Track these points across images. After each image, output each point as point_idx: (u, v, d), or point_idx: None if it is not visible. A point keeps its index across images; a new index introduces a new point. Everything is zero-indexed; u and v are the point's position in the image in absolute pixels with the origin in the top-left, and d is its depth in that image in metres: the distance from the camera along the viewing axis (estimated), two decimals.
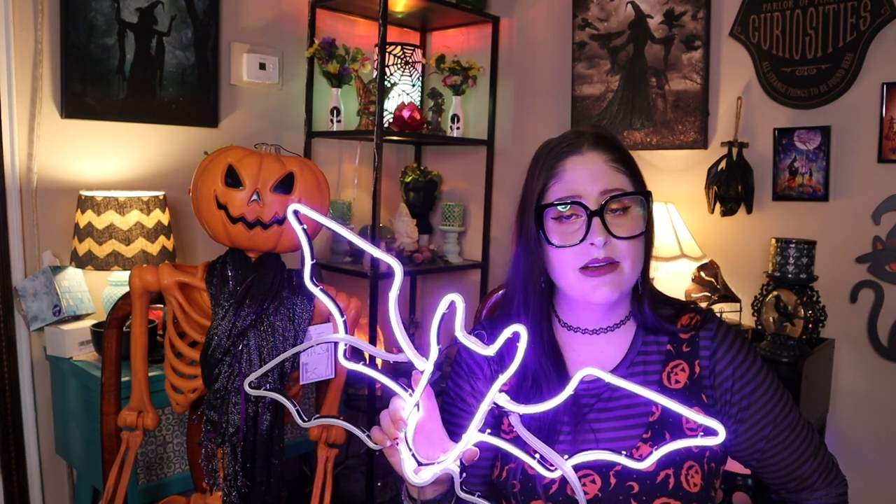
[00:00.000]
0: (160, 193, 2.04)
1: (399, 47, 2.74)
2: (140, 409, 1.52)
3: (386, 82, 2.52)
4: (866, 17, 1.91)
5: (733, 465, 1.06)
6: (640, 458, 0.69)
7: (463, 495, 0.78)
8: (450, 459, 0.76)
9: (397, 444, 0.78)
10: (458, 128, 2.73)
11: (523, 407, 0.72)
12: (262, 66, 2.48)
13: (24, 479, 2.02)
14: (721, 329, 1.01)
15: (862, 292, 1.99)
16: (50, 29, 1.99)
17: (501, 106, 2.81)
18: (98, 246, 1.90)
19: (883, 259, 1.94)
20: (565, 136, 0.99)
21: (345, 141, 2.78)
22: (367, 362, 0.77)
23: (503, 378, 0.70)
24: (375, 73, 2.43)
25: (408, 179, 2.87)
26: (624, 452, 0.70)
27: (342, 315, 0.76)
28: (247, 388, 0.87)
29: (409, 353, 0.75)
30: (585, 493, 0.91)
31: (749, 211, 2.13)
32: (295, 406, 0.81)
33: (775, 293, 1.97)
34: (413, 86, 2.79)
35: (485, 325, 1.09)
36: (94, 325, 1.91)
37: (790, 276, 1.91)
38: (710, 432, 0.65)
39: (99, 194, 1.93)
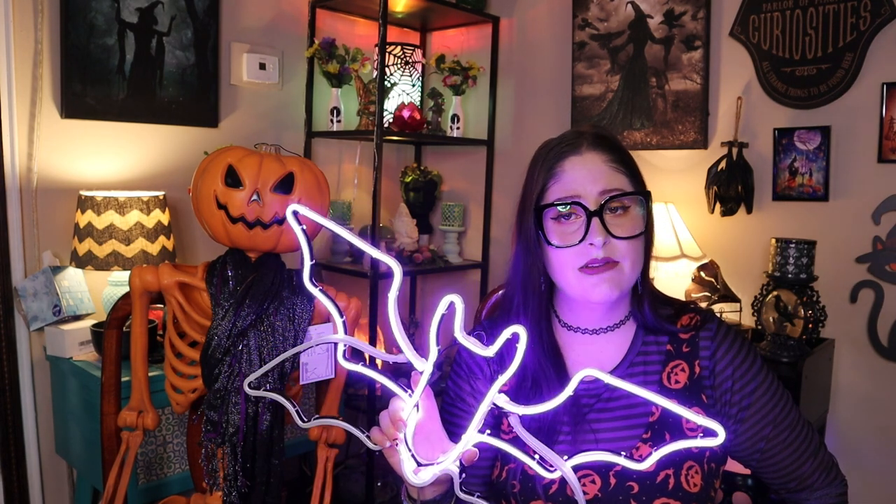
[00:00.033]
0: (160, 193, 2.04)
1: (399, 47, 2.74)
2: (140, 409, 1.52)
3: (386, 82, 2.52)
4: (866, 17, 1.91)
5: (733, 465, 1.06)
6: (640, 459, 0.69)
7: (462, 496, 0.78)
8: (449, 460, 0.76)
9: (397, 444, 0.78)
10: (458, 128, 2.73)
11: (523, 408, 0.72)
12: (262, 66, 2.48)
13: (24, 479, 2.03)
14: (721, 329, 1.01)
15: (862, 292, 1.99)
16: (50, 29, 1.99)
17: (501, 106, 2.81)
18: (98, 246, 1.90)
19: (883, 259, 1.94)
20: (565, 137, 0.99)
21: (345, 141, 2.78)
22: (367, 363, 0.77)
23: (502, 379, 0.70)
24: (375, 73, 2.43)
25: (408, 179, 2.87)
26: (624, 453, 0.70)
27: (341, 315, 0.76)
28: (246, 389, 0.87)
29: (409, 353, 0.75)
30: (585, 493, 0.91)
31: (749, 211, 2.13)
32: (294, 406, 0.81)
33: (775, 293, 1.97)
34: (413, 86, 2.79)
35: (485, 326, 1.09)
36: (94, 325, 1.91)
37: (790, 276, 1.91)
38: (709, 433, 0.65)
39: (99, 194, 1.93)
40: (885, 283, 1.94)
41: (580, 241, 0.92)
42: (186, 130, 2.32)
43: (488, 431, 0.74)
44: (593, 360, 1.00)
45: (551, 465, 0.72)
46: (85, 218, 1.91)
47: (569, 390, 0.68)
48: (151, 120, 2.22)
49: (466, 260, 2.87)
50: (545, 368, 0.97)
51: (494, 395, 0.71)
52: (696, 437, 0.68)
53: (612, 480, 0.92)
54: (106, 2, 2.08)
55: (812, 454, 1.01)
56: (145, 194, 1.99)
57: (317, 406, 1.74)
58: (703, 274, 2.10)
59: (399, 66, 2.74)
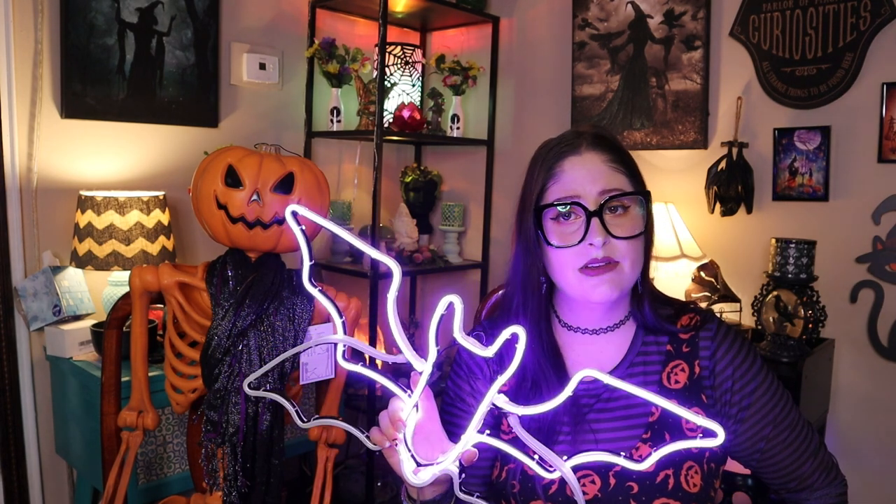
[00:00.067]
0: (160, 193, 2.04)
1: (399, 47, 2.74)
2: (140, 409, 1.52)
3: (386, 82, 2.52)
4: (866, 17, 1.91)
5: (733, 465, 1.06)
6: (640, 459, 0.69)
7: (462, 496, 0.78)
8: (448, 460, 0.76)
9: (396, 444, 0.78)
10: (458, 128, 2.73)
11: (522, 408, 0.72)
12: (262, 66, 2.49)
13: (24, 479, 2.03)
14: (721, 329, 1.01)
15: (862, 292, 1.98)
16: (50, 29, 1.99)
17: (501, 106, 2.81)
18: (98, 246, 1.90)
19: (883, 259, 1.94)
20: (564, 137, 0.99)
21: (345, 141, 2.78)
22: (367, 363, 0.77)
23: (502, 379, 0.70)
24: (375, 73, 2.43)
25: (408, 179, 2.87)
26: (623, 453, 0.70)
27: (341, 316, 0.76)
28: (246, 389, 0.87)
29: (408, 354, 0.75)
30: (585, 493, 0.91)
31: (749, 211, 2.13)
32: (294, 406, 0.81)
33: (775, 293, 1.97)
34: (413, 86, 2.79)
35: (485, 326, 1.09)
36: (94, 325, 1.91)
37: (790, 276, 1.91)
38: (709, 434, 0.66)
39: (99, 194, 1.93)
40: (885, 283, 1.94)
41: (580, 242, 0.92)
42: (186, 130, 2.32)
43: (488, 431, 0.74)
44: (593, 360, 1.00)
45: (551, 466, 0.72)
46: (85, 218, 1.91)
47: (568, 390, 0.68)
48: (151, 120, 2.22)
49: (466, 260, 2.87)
50: (545, 369, 0.97)
51: (494, 396, 0.72)
52: (695, 437, 0.68)
53: (612, 481, 0.92)
54: (106, 2, 2.08)
55: (812, 454, 1.01)
56: (145, 194, 1.99)
57: (317, 406, 1.74)
58: (703, 274, 2.10)
59: (399, 66, 2.74)
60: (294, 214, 0.71)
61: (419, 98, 2.84)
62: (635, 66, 2.38)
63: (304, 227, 0.73)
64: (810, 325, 1.90)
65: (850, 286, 2.00)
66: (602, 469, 0.92)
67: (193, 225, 2.32)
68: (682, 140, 2.28)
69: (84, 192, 1.95)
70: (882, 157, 1.92)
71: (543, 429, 0.93)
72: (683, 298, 1.62)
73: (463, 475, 0.78)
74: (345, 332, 0.76)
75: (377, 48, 2.39)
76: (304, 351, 1.47)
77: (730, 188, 2.10)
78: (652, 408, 0.95)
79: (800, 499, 1.04)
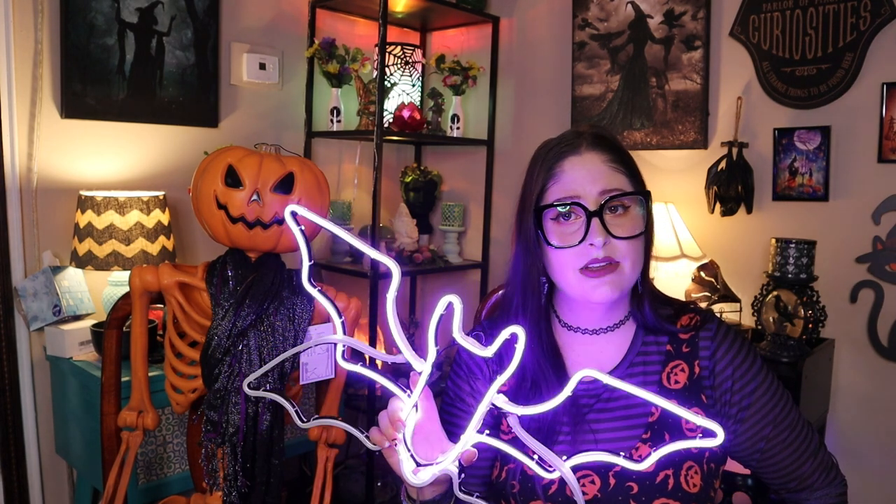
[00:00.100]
0: (160, 193, 2.04)
1: (399, 47, 2.74)
2: (140, 409, 1.52)
3: (386, 82, 2.52)
4: (866, 17, 1.91)
5: (733, 465, 1.06)
6: (640, 459, 0.69)
7: (461, 496, 0.78)
8: (448, 460, 0.76)
9: (396, 444, 0.78)
10: (458, 128, 2.73)
11: (521, 408, 0.72)
12: (262, 66, 2.49)
13: (24, 479, 2.03)
14: (721, 329, 1.01)
15: (862, 292, 1.98)
16: (50, 29, 1.99)
17: (501, 106, 2.81)
18: (98, 246, 1.90)
19: (883, 259, 1.94)
20: (564, 137, 0.99)
21: (345, 141, 2.78)
22: (367, 363, 0.77)
23: (501, 379, 0.70)
24: (375, 73, 2.43)
25: (408, 179, 2.87)
26: (623, 453, 0.70)
27: (340, 316, 0.76)
28: (246, 389, 0.87)
29: (408, 354, 0.75)
30: (585, 493, 0.91)
31: (749, 211, 2.13)
32: (294, 407, 0.81)
33: (775, 293, 1.97)
34: (413, 86, 2.79)
35: (484, 326, 1.10)
36: (94, 325, 1.91)
37: (790, 276, 1.91)
38: (708, 434, 0.66)
39: (99, 194, 1.93)
40: (885, 283, 1.94)
41: (580, 242, 0.92)
42: (186, 130, 2.32)
43: (487, 431, 0.74)
44: (593, 360, 1.00)
45: (550, 466, 0.72)
46: (85, 218, 1.91)
47: (567, 390, 0.68)
48: (151, 120, 2.22)
49: (466, 260, 2.87)
50: (544, 369, 0.97)
51: (493, 396, 0.72)
52: (695, 437, 0.68)
53: (612, 481, 0.92)
54: (106, 2, 2.08)
55: (812, 454, 1.01)
56: (145, 194, 1.99)
57: (317, 406, 1.74)
58: (703, 274, 2.10)
59: (399, 66, 2.74)
60: (293, 215, 0.71)
61: (419, 98, 2.84)
62: (635, 66, 2.38)
63: (303, 228, 0.73)
64: (810, 325, 1.90)
65: (850, 286, 2.00)
66: (602, 469, 0.92)
67: (193, 225, 2.32)
68: (682, 140, 2.28)
69: (84, 192, 1.95)
70: (882, 157, 1.92)
71: (543, 429, 0.93)
72: (683, 298, 1.61)
73: (462, 475, 0.78)
74: (344, 333, 0.76)
75: (377, 48, 2.39)
76: (304, 351, 1.47)
77: (730, 188, 2.10)
78: (652, 408, 0.95)
79: (800, 499, 1.04)
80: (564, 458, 0.71)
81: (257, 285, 1.45)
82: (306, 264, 0.74)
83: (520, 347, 0.66)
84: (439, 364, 2.23)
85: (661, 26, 2.31)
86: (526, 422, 0.76)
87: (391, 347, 2.61)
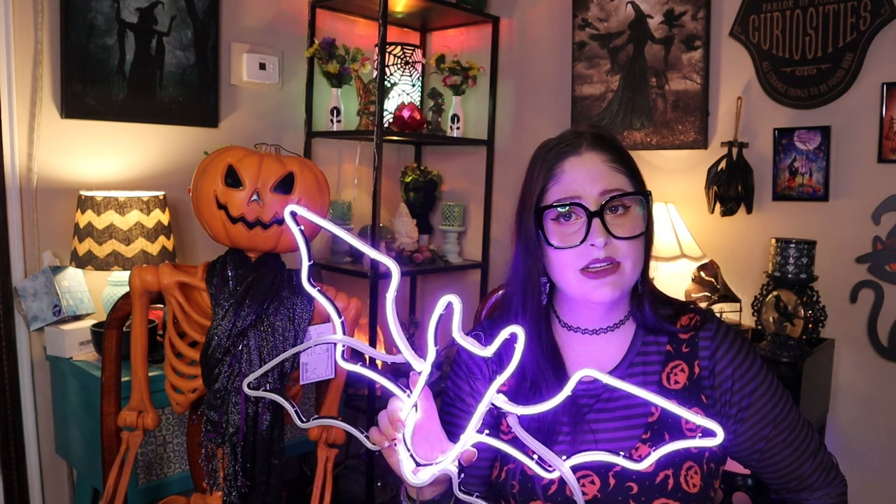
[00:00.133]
0: (160, 193, 2.04)
1: (399, 47, 2.74)
2: (140, 409, 1.52)
3: (386, 82, 2.52)
4: (866, 17, 1.91)
5: (733, 465, 1.06)
6: (640, 459, 0.69)
7: (461, 496, 0.78)
8: (448, 460, 0.76)
9: (395, 444, 0.78)
10: (458, 128, 2.73)
11: (521, 408, 0.72)
12: (262, 66, 2.49)
13: (24, 479, 2.03)
14: (720, 329, 1.01)
15: (862, 292, 1.98)
16: (50, 29, 1.99)
17: (501, 106, 2.81)
18: (98, 246, 1.90)
19: (883, 259, 1.94)
20: (564, 137, 0.99)
21: (345, 141, 2.78)
22: (367, 363, 0.77)
23: (501, 378, 0.70)
24: (375, 73, 2.43)
25: (408, 179, 2.87)
26: (622, 453, 0.70)
27: (340, 316, 0.76)
28: (245, 389, 0.87)
29: (407, 354, 0.75)
30: (584, 493, 0.91)
31: (749, 211, 2.13)
32: (293, 407, 0.81)
33: (775, 293, 1.97)
34: (413, 86, 2.79)
35: (484, 326, 1.09)
36: (94, 325, 1.91)
37: (790, 276, 1.91)
38: (708, 433, 0.65)
39: (99, 194, 1.93)
40: (885, 283, 1.94)
41: (581, 242, 0.92)
42: (186, 130, 2.32)
43: (487, 431, 0.74)
44: (593, 360, 1.00)
45: (550, 466, 0.72)
46: (85, 218, 1.91)
47: (567, 390, 0.68)
48: (151, 120, 2.22)
49: (466, 260, 2.87)
50: (544, 370, 0.96)
51: (493, 395, 0.71)
52: (695, 437, 0.68)
53: (612, 481, 0.92)
54: (106, 2, 2.08)
55: (812, 454, 1.01)
56: (145, 194, 1.99)
57: (317, 406, 1.74)
58: (703, 274, 2.10)
59: (399, 66, 2.74)
60: (293, 215, 0.71)
61: (419, 98, 2.84)
62: (635, 66, 2.38)
63: (303, 228, 0.73)
64: (810, 325, 1.90)
65: (850, 286, 2.00)
66: (601, 469, 0.92)
67: (193, 225, 2.32)
68: (682, 140, 2.28)
69: (84, 192, 1.95)
70: (882, 157, 1.92)
71: (543, 429, 0.93)
72: (683, 298, 1.61)
73: (462, 475, 0.78)
74: (344, 333, 0.76)
75: (377, 48, 2.39)
76: (304, 351, 1.47)
77: (730, 188, 2.10)
78: (651, 408, 0.95)
79: (800, 499, 1.04)
80: (564, 457, 0.71)
81: (257, 285, 1.45)
82: (306, 264, 0.74)
83: (519, 347, 0.66)
84: (439, 364, 2.23)
85: (661, 26, 2.31)
86: (525, 422, 0.76)
87: (391, 347, 2.61)
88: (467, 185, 2.93)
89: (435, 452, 0.81)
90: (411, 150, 3.04)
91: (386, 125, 2.53)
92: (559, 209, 0.93)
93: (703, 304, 1.83)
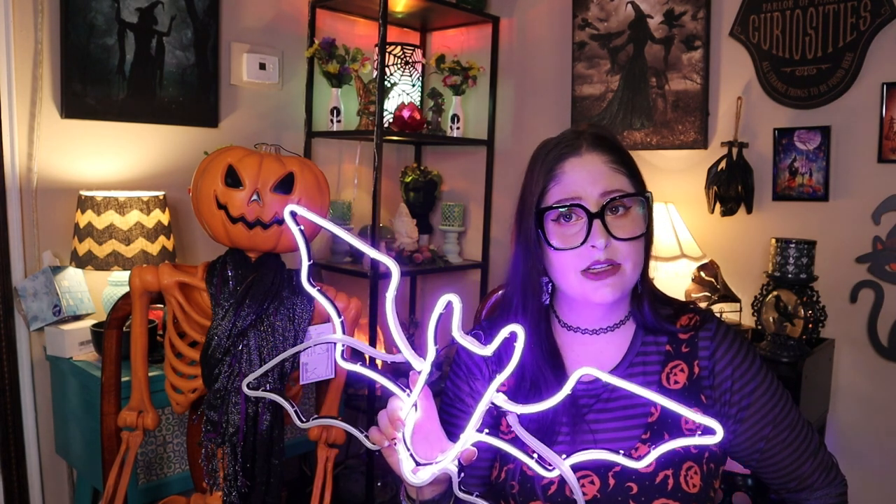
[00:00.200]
0: (160, 193, 2.04)
1: (399, 47, 2.74)
2: (140, 409, 1.52)
3: (386, 82, 2.52)
4: (866, 17, 1.91)
5: (733, 465, 1.06)
6: (639, 459, 0.69)
7: (461, 495, 0.78)
8: (448, 459, 0.76)
9: (395, 444, 0.78)
10: (458, 128, 2.73)
11: (521, 407, 0.72)
12: (262, 66, 2.49)
13: (24, 479, 2.03)
14: (720, 329, 1.01)
15: (862, 292, 1.98)
16: (50, 29, 2.00)
17: (501, 106, 2.81)
18: (98, 246, 1.90)
19: (883, 259, 1.94)
20: (564, 137, 0.99)
21: (345, 141, 2.78)
22: (367, 363, 0.77)
23: (501, 377, 0.70)
24: (375, 73, 2.43)
25: (408, 179, 2.87)
26: (622, 452, 0.69)
27: (339, 315, 0.76)
28: (245, 389, 0.87)
29: (407, 353, 0.75)
30: (584, 493, 0.91)
31: (749, 211, 2.13)
32: (293, 407, 0.81)
33: (775, 293, 1.97)
34: (413, 86, 2.79)
35: (484, 326, 1.09)
36: (94, 325, 1.91)
37: (790, 276, 1.91)
38: (708, 431, 0.65)
39: (99, 194, 1.93)
40: (885, 283, 1.94)
41: (581, 244, 0.91)
42: (186, 130, 2.32)
43: (486, 431, 0.74)
44: (593, 360, 1.00)
45: (550, 464, 0.72)
46: (85, 218, 1.91)
47: (567, 388, 0.68)
48: (151, 120, 2.22)
49: (466, 260, 2.87)
50: (544, 370, 0.96)
51: (493, 394, 0.71)
52: (694, 436, 0.68)
53: (611, 481, 0.92)
54: (106, 2, 2.08)
55: (812, 454, 1.01)
56: (145, 194, 1.99)
57: (317, 406, 1.74)
58: (703, 274, 2.10)
59: (399, 66, 2.74)
60: (293, 214, 0.71)
61: (419, 98, 2.84)
62: (635, 66, 2.38)
63: (303, 228, 0.73)
64: (810, 325, 1.90)
65: (850, 286, 2.00)
66: (601, 469, 0.92)
67: (193, 225, 2.32)
68: (682, 140, 2.28)
69: (84, 192, 1.95)
70: (882, 157, 1.92)
71: (542, 429, 0.93)
72: (683, 298, 1.61)
73: (462, 474, 0.78)
74: (344, 333, 0.76)
75: (377, 48, 2.39)
76: (304, 351, 1.47)
77: (730, 188, 2.10)
78: (651, 408, 0.95)
79: (800, 499, 1.04)
80: (564, 456, 0.71)
81: (257, 285, 1.45)
82: (306, 264, 0.74)
83: (519, 346, 0.66)
84: (439, 364, 2.23)
85: (661, 26, 2.31)
86: (525, 422, 0.76)
87: (391, 347, 2.61)
88: (467, 185, 2.93)
89: (435, 452, 0.81)
90: (411, 150, 3.04)
91: (386, 125, 2.53)
92: (559, 210, 0.93)
93: (703, 304, 1.83)
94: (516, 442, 0.75)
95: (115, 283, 2.00)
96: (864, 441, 2.01)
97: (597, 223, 0.91)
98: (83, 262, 1.91)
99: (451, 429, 0.92)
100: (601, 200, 0.92)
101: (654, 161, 2.37)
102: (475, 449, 0.77)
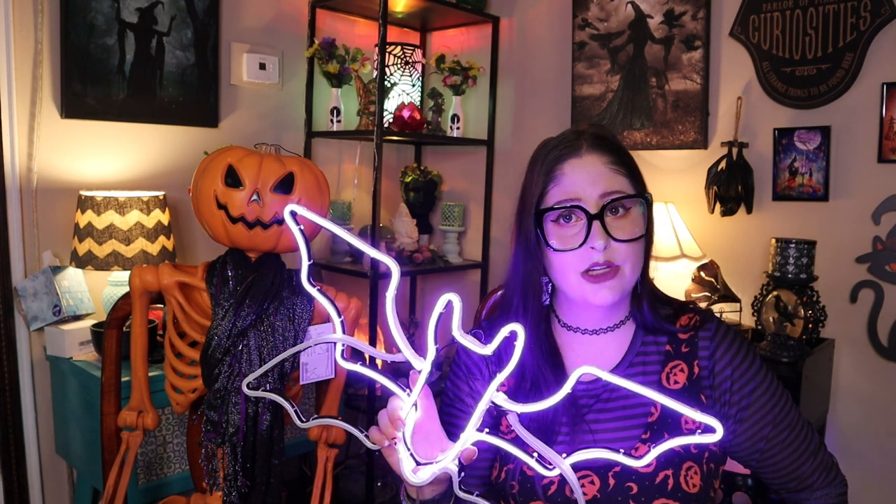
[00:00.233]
0: (160, 193, 2.04)
1: (399, 47, 2.74)
2: (140, 409, 1.52)
3: (386, 82, 2.52)
4: (866, 17, 1.91)
5: (733, 465, 1.06)
6: (639, 459, 0.69)
7: (461, 494, 0.78)
8: (448, 458, 0.76)
9: (395, 443, 0.78)
10: (458, 128, 2.73)
11: (521, 406, 0.72)
12: (262, 66, 2.49)
13: (24, 479, 2.03)
14: (720, 329, 1.01)
15: (862, 292, 1.98)
16: (50, 29, 2.00)
17: (501, 106, 2.81)
18: (98, 246, 1.90)
19: (883, 259, 1.94)
20: (564, 137, 0.98)
21: (345, 141, 2.78)
22: (367, 362, 0.77)
23: (501, 376, 0.70)
24: (375, 73, 2.43)
25: (408, 179, 2.87)
26: (622, 450, 0.69)
27: (339, 315, 0.76)
28: (245, 389, 0.87)
29: (407, 352, 0.75)
30: (584, 493, 0.91)
31: (749, 211, 2.13)
32: (293, 406, 0.81)
33: (775, 293, 1.97)
34: (413, 86, 2.79)
35: (484, 326, 1.09)
36: (94, 325, 1.91)
37: (790, 276, 1.91)
38: (708, 430, 0.65)
39: (99, 194, 1.93)
40: (885, 283, 1.94)
41: (581, 245, 0.91)
42: (186, 130, 2.32)
43: (486, 430, 0.74)
44: (593, 360, 1.00)
45: (550, 463, 0.72)
46: (85, 218, 1.91)
47: (567, 387, 0.68)
48: (151, 120, 2.22)
49: (466, 260, 2.87)
50: (544, 371, 0.96)
51: (493, 394, 0.71)
52: (694, 434, 0.68)
53: (612, 481, 0.92)
54: (106, 2, 2.08)
55: (812, 454, 1.01)
56: (145, 194, 1.99)
57: (317, 406, 1.74)
58: (703, 274, 2.10)
59: (399, 66, 2.74)
60: (293, 214, 0.71)
61: (419, 98, 2.84)
62: (635, 66, 2.38)
63: (303, 227, 0.73)
64: (810, 325, 1.90)
65: (850, 286, 2.00)
66: (601, 469, 0.92)
67: (193, 225, 2.32)
68: (682, 140, 2.28)
69: (84, 192, 1.95)
70: (882, 157, 1.92)
71: (542, 429, 0.93)
72: (683, 298, 1.61)
73: (462, 474, 0.78)
74: (344, 332, 0.76)
75: (377, 48, 2.39)
76: (304, 351, 1.47)
77: (730, 188, 2.10)
78: (651, 408, 0.95)
79: (800, 499, 1.04)
80: (564, 455, 0.71)
81: (257, 285, 1.45)
82: (306, 264, 0.74)
83: (519, 345, 0.66)
84: (439, 363, 2.23)
85: (661, 26, 2.31)
86: (525, 421, 0.76)
87: (391, 347, 2.61)
88: (467, 185, 2.93)
89: (435, 451, 0.81)
90: (411, 150, 3.04)
91: (386, 125, 2.53)
92: (559, 211, 0.93)
93: (703, 304, 1.83)
94: (517, 441, 0.75)
95: (115, 283, 2.00)
96: (864, 441, 2.01)
97: (596, 225, 0.91)
98: (83, 262, 1.91)
99: (451, 429, 0.92)
100: (601, 202, 0.92)
101: (654, 161, 2.37)
102: (475, 448, 0.77)
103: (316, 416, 0.82)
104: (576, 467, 0.71)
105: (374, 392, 2.42)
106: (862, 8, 1.91)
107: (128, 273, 1.70)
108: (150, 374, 1.56)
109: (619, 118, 2.42)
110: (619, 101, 2.42)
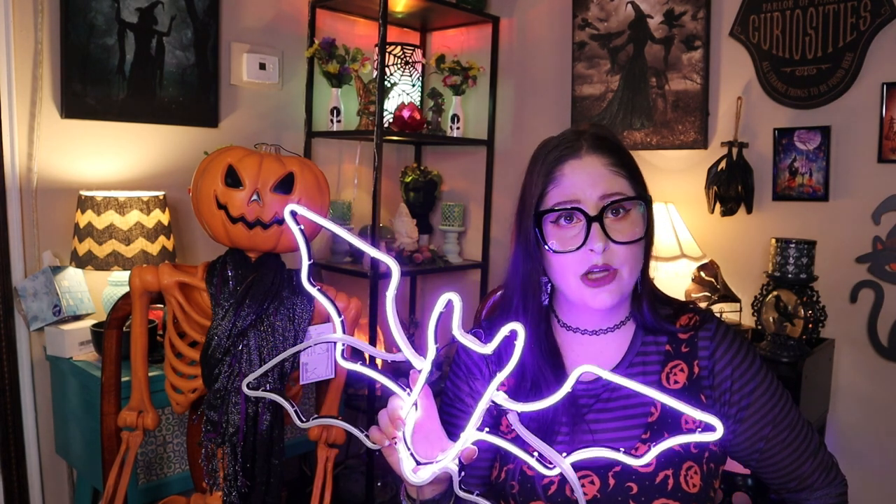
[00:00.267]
0: (160, 193, 2.04)
1: (399, 47, 2.74)
2: (140, 409, 1.52)
3: (386, 82, 2.52)
4: (866, 17, 1.91)
5: (733, 465, 1.06)
6: (639, 458, 0.69)
7: (462, 494, 0.78)
8: (448, 458, 0.76)
9: (396, 443, 0.78)
10: (458, 128, 2.73)
11: (521, 405, 0.72)
12: (262, 66, 2.49)
13: (24, 479, 2.03)
14: (720, 329, 1.01)
15: (862, 292, 1.98)
16: (50, 29, 2.00)
17: (501, 106, 2.81)
18: (98, 246, 1.90)
19: (883, 259, 1.94)
20: (564, 137, 0.98)
21: (345, 141, 2.78)
22: (367, 362, 0.77)
23: (501, 375, 0.70)
24: (375, 73, 2.43)
25: (408, 179, 2.87)
26: (622, 449, 0.69)
27: (339, 315, 0.76)
28: (245, 389, 0.87)
29: (407, 352, 0.75)
30: (584, 493, 0.91)
31: (749, 211, 2.13)
32: (293, 406, 0.81)
33: (775, 293, 1.97)
34: (413, 86, 2.79)
35: (484, 326, 1.09)
36: (94, 325, 1.91)
37: (790, 276, 1.91)
38: (708, 429, 0.65)
39: (99, 194, 1.93)
40: (885, 283, 1.94)
41: (580, 247, 0.91)
42: (186, 130, 2.32)
43: (487, 430, 0.74)
44: (592, 360, 1.00)
45: (550, 463, 0.72)
46: (85, 218, 1.91)
47: (567, 386, 0.68)
48: (151, 120, 2.22)
49: (466, 260, 2.87)
50: (544, 371, 0.96)
51: (493, 393, 0.71)
52: (695, 433, 0.68)
53: (612, 481, 0.92)
54: (106, 2, 2.08)
55: (812, 454, 1.01)
56: (145, 194, 1.99)
57: (317, 406, 1.74)
58: (703, 274, 2.10)
59: (399, 66, 2.74)
60: (293, 214, 0.71)
61: (419, 98, 2.84)
62: (635, 66, 2.38)
63: (303, 227, 0.73)
64: (810, 325, 1.90)
65: (850, 286, 2.00)
66: (601, 469, 0.92)
67: (193, 225, 2.32)
68: (682, 140, 2.28)
69: (84, 192, 1.95)
70: (882, 157, 1.92)
71: (542, 429, 0.93)
72: (683, 298, 1.61)
73: (462, 473, 0.78)
74: (344, 332, 0.76)
75: (377, 48, 2.39)
76: (304, 351, 1.47)
77: (730, 188, 2.10)
78: (651, 408, 0.95)
79: (800, 499, 1.04)
80: (564, 454, 0.71)
81: (257, 285, 1.45)
82: (306, 264, 0.74)
83: (519, 344, 0.66)
84: (439, 363, 2.23)
85: (661, 26, 2.31)
86: (525, 421, 0.76)
87: (391, 347, 2.61)
88: (467, 185, 2.93)
89: (435, 451, 0.81)
90: (411, 150, 3.04)
91: (386, 125, 2.53)
92: (558, 212, 0.93)
93: (703, 304, 1.83)
94: (517, 441, 0.75)
95: (115, 283, 2.00)
96: (864, 441, 2.01)
97: (595, 227, 0.91)
98: (83, 262, 1.91)
99: (452, 429, 0.92)
100: (600, 203, 0.92)
101: (654, 161, 2.37)
102: (476, 448, 0.77)
103: (316, 416, 0.82)
104: (576, 467, 0.71)
105: (374, 392, 2.42)
106: (862, 8, 1.91)
107: (128, 273, 1.70)
108: (150, 374, 1.57)
109: (619, 118, 2.42)
110: (619, 101, 2.42)
